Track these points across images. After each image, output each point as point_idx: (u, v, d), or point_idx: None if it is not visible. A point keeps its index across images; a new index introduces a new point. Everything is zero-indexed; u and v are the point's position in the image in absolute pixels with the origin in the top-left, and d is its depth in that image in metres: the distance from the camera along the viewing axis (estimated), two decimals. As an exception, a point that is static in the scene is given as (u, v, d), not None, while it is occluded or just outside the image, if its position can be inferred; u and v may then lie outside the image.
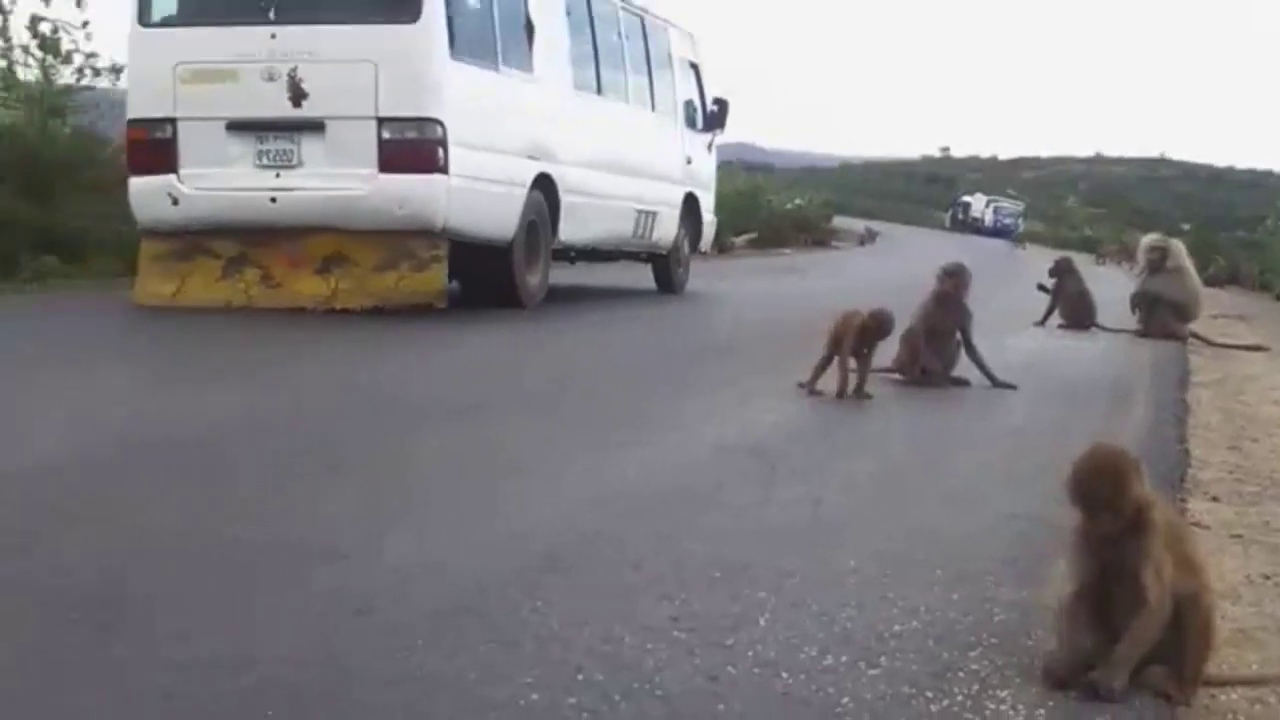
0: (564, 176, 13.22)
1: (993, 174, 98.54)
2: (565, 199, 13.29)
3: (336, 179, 11.26)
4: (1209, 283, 25.43)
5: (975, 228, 61.45)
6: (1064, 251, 17.92)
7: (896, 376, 8.64)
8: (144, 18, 11.71)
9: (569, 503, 4.99)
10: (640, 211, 15.37)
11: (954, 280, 8.98)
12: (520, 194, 12.40)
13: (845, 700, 3.03)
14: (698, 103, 17.78)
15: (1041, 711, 3.08)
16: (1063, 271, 14.50)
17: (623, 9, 15.70)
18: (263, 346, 9.67)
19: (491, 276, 12.49)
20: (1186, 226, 51.68)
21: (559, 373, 8.85)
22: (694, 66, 17.87)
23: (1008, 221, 64.24)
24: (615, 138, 14.91)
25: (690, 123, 17.46)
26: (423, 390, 7.72)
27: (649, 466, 5.68)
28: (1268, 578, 4.59)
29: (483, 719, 2.80)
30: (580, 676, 3.06)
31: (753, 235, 32.14)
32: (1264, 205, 45.65)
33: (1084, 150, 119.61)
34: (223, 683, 2.95)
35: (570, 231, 13.61)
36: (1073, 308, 14.12)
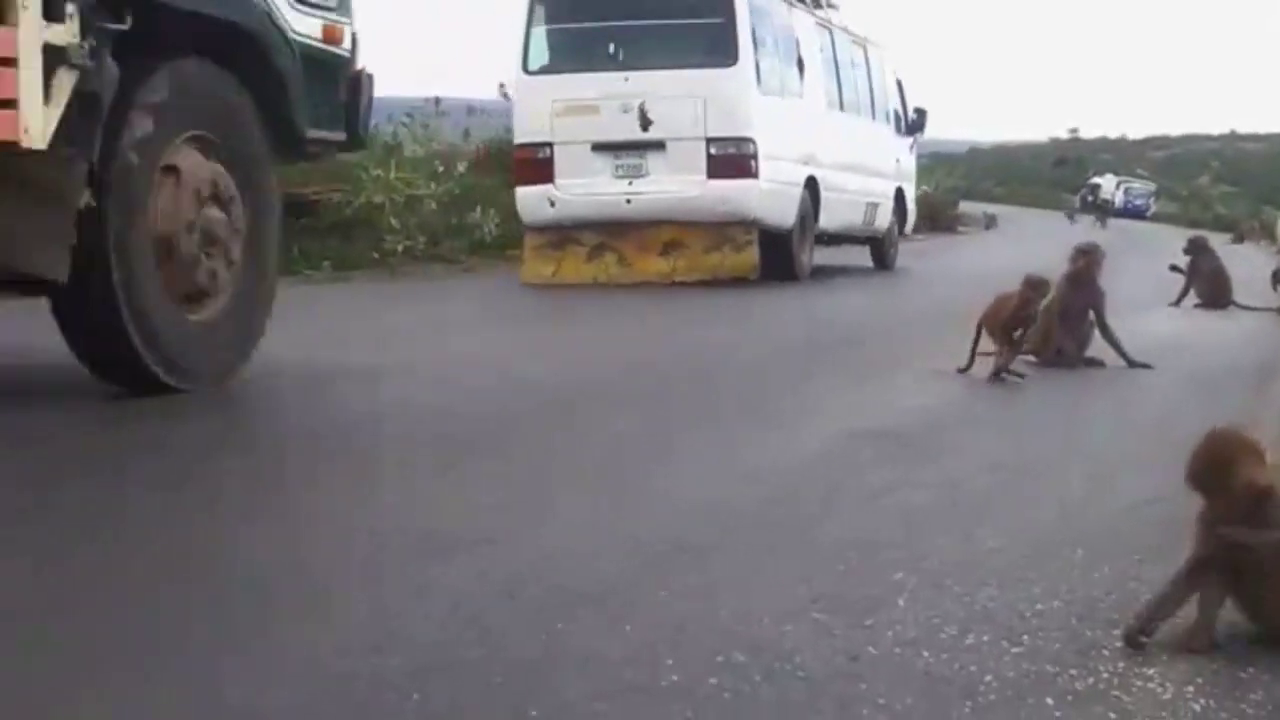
0: (824, 178, 17.06)
1: (1123, 154, 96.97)
2: (824, 195, 17.05)
3: (675, 184, 15.03)
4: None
5: (1106, 210, 60.47)
6: (1198, 231, 17.53)
7: (1031, 358, 8.52)
8: (526, 67, 15.78)
9: (717, 482, 5.07)
10: (869, 203, 19.36)
11: (1087, 259, 8.85)
12: (797, 192, 16.25)
13: (988, 678, 3.00)
14: (901, 111, 21.79)
15: (1190, 689, 3.02)
16: (1197, 249, 14.20)
17: (851, 40, 19.67)
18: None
19: (778, 256, 15.92)
20: (1324, 203, 50.56)
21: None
22: (899, 82, 21.82)
23: (1139, 202, 63.28)
24: (854, 145, 18.63)
25: (897, 129, 21.50)
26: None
27: (788, 447, 5.70)
28: None
29: (624, 700, 2.81)
30: (720, 658, 3.05)
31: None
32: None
33: (1217, 127, 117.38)
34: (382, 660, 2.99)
35: (826, 220, 17.32)
36: (1209, 286, 13.82)
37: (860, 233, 19.71)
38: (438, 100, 22.61)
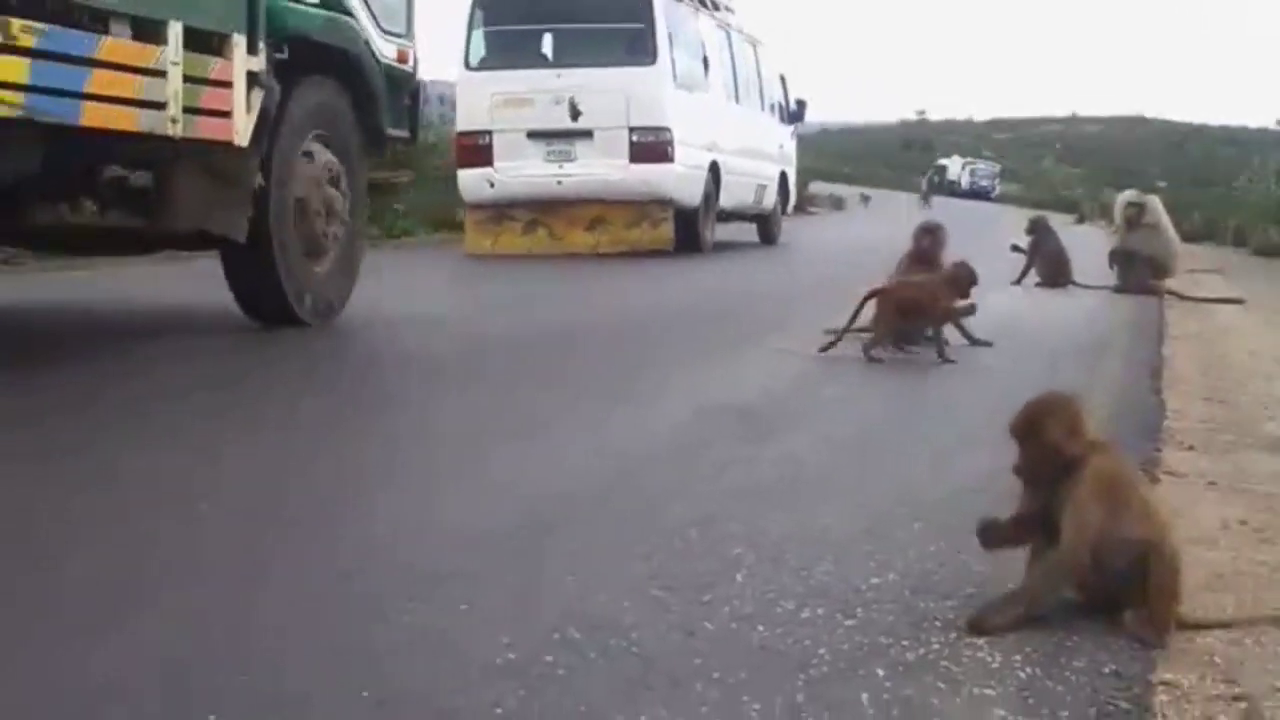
0: (724, 162, 19.14)
1: (969, 136, 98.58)
2: (724, 177, 19.16)
3: (601, 168, 17.05)
4: (1186, 238, 25.47)
5: (952, 190, 61.41)
6: (1040, 211, 17.92)
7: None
8: (468, 64, 17.74)
9: (565, 459, 5.04)
10: (759, 185, 21.65)
11: (930, 238, 8.99)
12: (703, 175, 18.36)
13: (821, 651, 3.04)
14: (784, 103, 24.34)
15: (1018, 657, 3.09)
16: (1039, 230, 14.48)
17: (744, 39, 21.88)
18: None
19: (686, 232, 17.95)
20: (1163, 184, 51.90)
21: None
22: (781, 76, 24.39)
23: (984, 183, 64.34)
24: (748, 133, 20.96)
25: (781, 118, 24.04)
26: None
27: (638, 426, 5.70)
28: (1243, 523, 4.60)
29: (458, 679, 2.80)
30: (556, 635, 3.06)
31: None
32: (1240, 161, 45.73)
33: (1060, 110, 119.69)
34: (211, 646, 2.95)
35: (725, 200, 19.43)
36: (1049, 266, 14.10)
37: (750, 211, 21.81)
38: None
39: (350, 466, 5.03)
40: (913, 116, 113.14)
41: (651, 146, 17.10)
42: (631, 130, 17.11)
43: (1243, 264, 23.04)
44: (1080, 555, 3.31)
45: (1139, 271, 13.79)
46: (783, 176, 23.62)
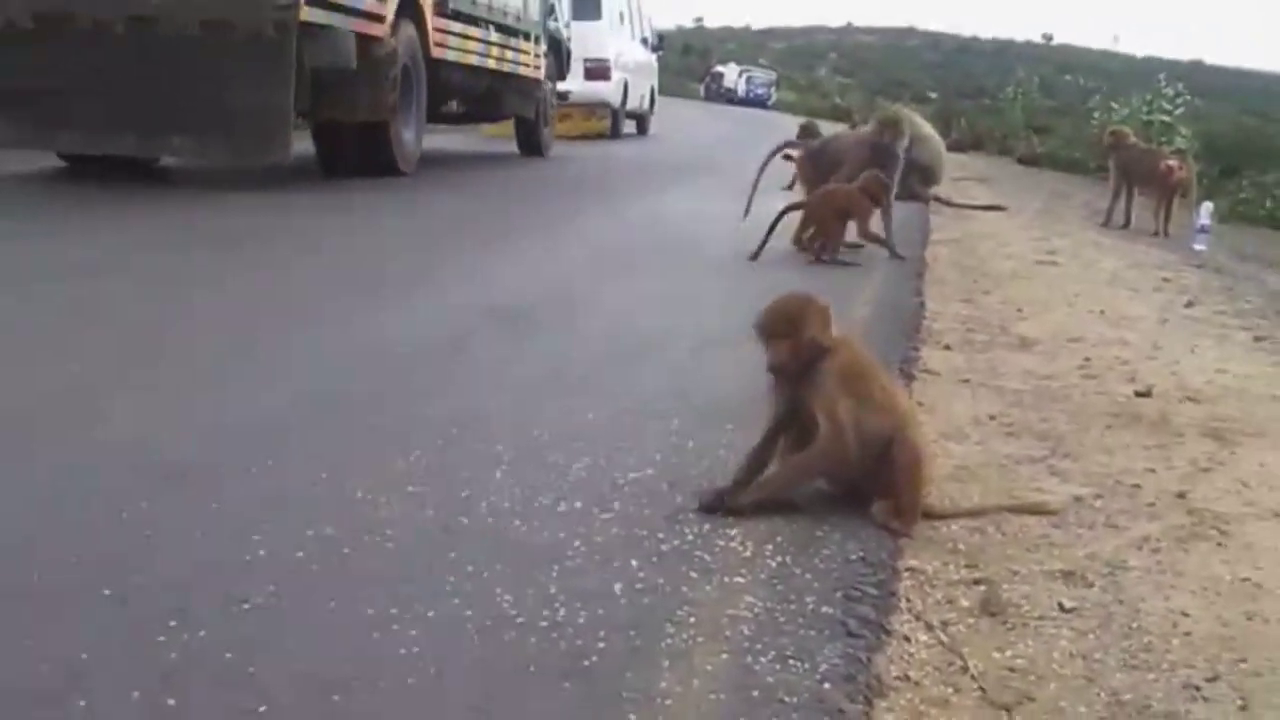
0: (628, 80, 26.79)
1: (746, 43, 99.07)
2: (629, 90, 26.95)
3: (567, 85, 21.97)
4: (952, 147, 26.03)
5: (729, 97, 61.73)
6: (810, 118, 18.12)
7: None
8: None
9: (331, 358, 4.95)
10: (642, 94, 29.18)
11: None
12: (621, 88, 26.22)
13: (577, 544, 3.06)
14: (650, 35, 31.22)
15: (769, 546, 3.15)
16: (808, 135, 14.63)
17: None
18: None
19: (612, 124, 26.28)
20: (934, 94, 52.87)
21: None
22: (649, 17, 31.36)
23: (760, 91, 64.59)
24: (637, 60, 28.53)
25: (650, 48, 31.05)
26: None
27: (401, 324, 5.62)
28: (993, 418, 4.76)
29: (207, 576, 2.74)
30: (310, 531, 3.02)
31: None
32: (1007, 74, 46.82)
33: (835, 20, 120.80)
34: None
35: (628, 104, 27.30)
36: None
37: (638, 111, 29.13)
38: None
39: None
40: (690, 23, 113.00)
41: (597, 69, 24.72)
42: (585, 60, 23.74)
43: (1006, 173, 23.66)
44: (842, 443, 3.38)
45: (906, 178, 14.03)
46: (652, 89, 31.08)
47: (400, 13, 11.98)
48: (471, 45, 14.74)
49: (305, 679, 2.34)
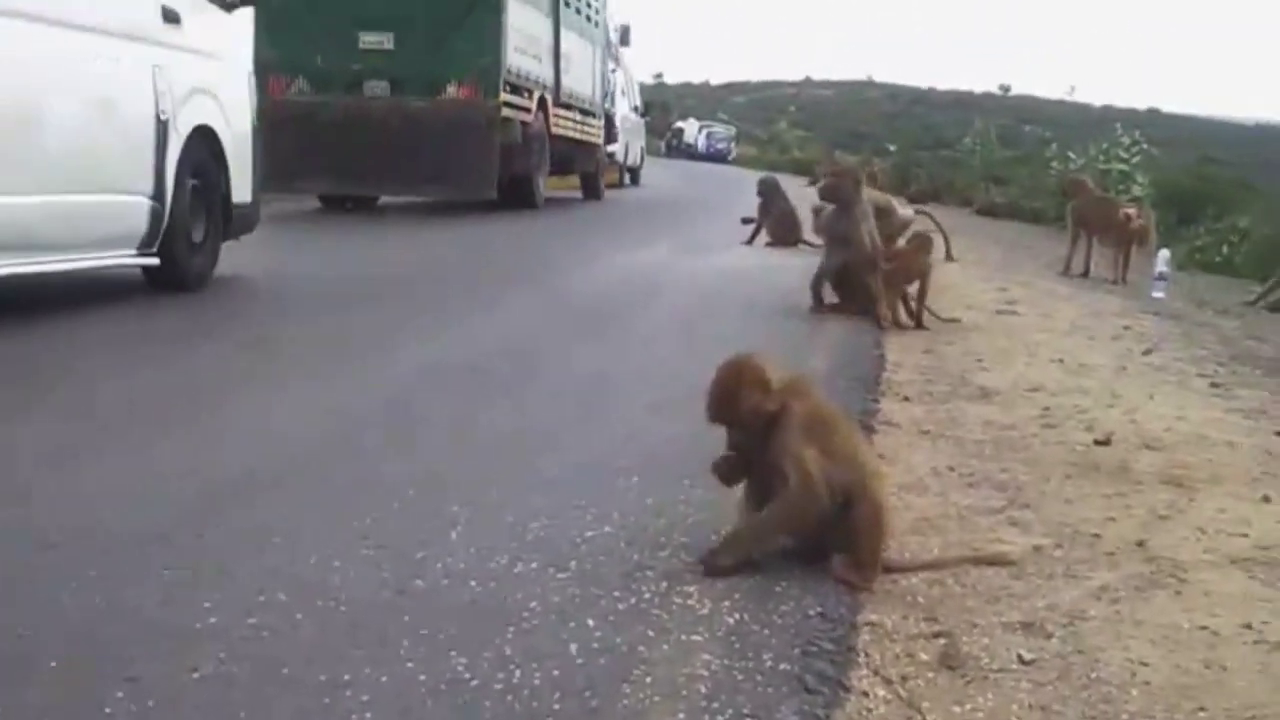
0: (627, 141, 30.86)
1: (706, 98, 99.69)
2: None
3: None
4: (912, 199, 26.24)
5: (689, 153, 62.06)
6: (770, 173, 18.25)
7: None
8: None
9: (289, 416, 4.90)
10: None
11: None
12: (624, 148, 30.21)
13: (533, 604, 3.03)
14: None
15: (726, 604, 3.12)
16: (768, 191, 14.72)
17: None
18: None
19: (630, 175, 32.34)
20: (892, 146, 53.13)
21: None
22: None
23: (720, 146, 64.96)
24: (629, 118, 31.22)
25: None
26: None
27: (360, 384, 5.59)
28: (952, 469, 4.75)
29: (155, 645, 2.70)
30: (262, 597, 2.98)
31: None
32: (965, 124, 47.18)
33: (793, 74, 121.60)
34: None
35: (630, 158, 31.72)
36: (779, 226, 14.35)
37: (632, 166, 33.18)
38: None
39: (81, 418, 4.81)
40: (650, 80, 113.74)
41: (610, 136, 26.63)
42: None
43: (966, 223, 23.78)
44: (810, 491, 3.35)
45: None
46: (642, 148, 35.30)
47: (538, 107, 19.02)
48: (570, 124, 21.75)
49: (255, 748, 2.31)
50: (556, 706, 2.50)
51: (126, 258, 7.78)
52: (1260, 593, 3.53)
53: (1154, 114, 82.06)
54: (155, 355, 6.31)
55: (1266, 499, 4.51)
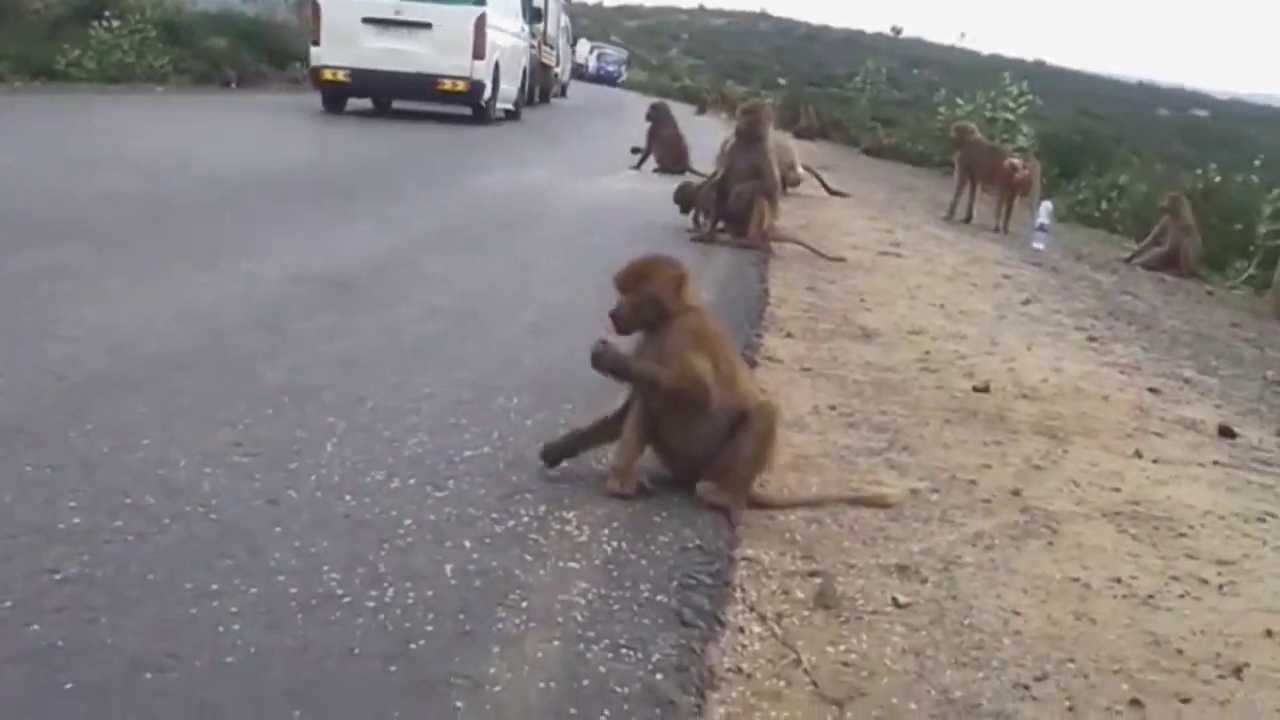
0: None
1: (598, 19, 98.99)
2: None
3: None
4: (799, 134, 26.30)
5: (579, 73, 61.74)
6: (660, 99, 18.10)
7: None
8: None
9: (154, 320, 4.74)
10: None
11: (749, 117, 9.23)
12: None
13: (408, 522, 2.97)
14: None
15: (605, 531, 3.09)
16: (659, 117, 14.61)
17: None
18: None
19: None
20: (782, 80, 53.20)
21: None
22: None
23: (611, 68, 64.69)
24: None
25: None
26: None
27: (235, 289, 5.45)
28: (833, 408, 4.75)
29: (14, 544, 2.61)
30: (129, 500, 2.90)
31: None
32: (855, 64, 47.25)
33: (687, 2, 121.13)
34: None
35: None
36: (667, 151, 14.26)
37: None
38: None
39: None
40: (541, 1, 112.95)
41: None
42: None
43: (852, 162, 23.86)
44: (699, 380, 3.35)
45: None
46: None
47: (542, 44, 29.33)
48: (550, 55, 31.97)
49: (116, 655, 2.23)
50: (429, 628, 2.45)
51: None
52: (1130, 547, 3.57)
53: (1040, 65, 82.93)
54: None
55: (1138, 454, 4.57)
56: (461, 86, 18.67)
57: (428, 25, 18.33)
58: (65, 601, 2.40)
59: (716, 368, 3.39)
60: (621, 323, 3.46)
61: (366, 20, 18.09)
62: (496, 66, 19.93)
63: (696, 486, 3.37)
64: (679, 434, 3.42)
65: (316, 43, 18.25)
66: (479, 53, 18.73)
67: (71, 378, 3.89)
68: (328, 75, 18.16)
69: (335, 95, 18.71)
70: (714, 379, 3.36)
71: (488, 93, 19.55)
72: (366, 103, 19.71)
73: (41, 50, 18.34)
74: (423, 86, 18.61)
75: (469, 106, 19.45)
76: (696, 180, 10.37)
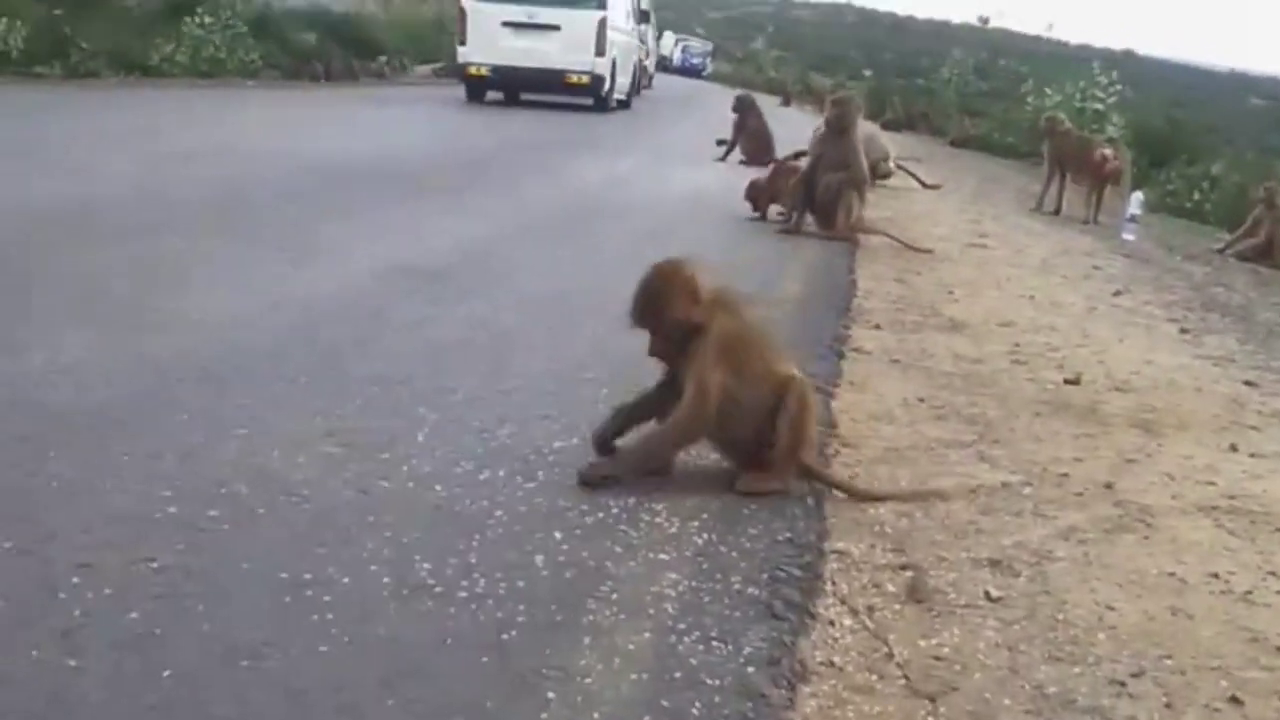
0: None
1: (683, 12, 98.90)
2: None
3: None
4: (885, 126, 26.15)
5: (664, 65, 61.66)
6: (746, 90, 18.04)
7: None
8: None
9: (246, 309, 4.79)
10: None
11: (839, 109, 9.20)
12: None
13: (499, 513, 2.98)
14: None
15: (695, 524, 3.09)
16: (744, 108, 14.58)
17: None
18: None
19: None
20: (868, 72, 52.92)
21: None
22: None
23: (696, 61, 64.52)
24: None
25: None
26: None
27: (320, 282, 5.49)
28: (922, 400, 4.72)
29: (112, 531, 2.64)
30: (223, 490, 2.93)
31: (439, 65, 31.71)
32: (942, 55, 46.88)
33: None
34: None
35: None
36: (753, 143, 14.23)
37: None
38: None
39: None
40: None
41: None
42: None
43: (940, 154, 23.68)
44: (700, 416, 3.31)
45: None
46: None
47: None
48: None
49: (212, 643, 2.26)
50: (521, 619, 2.46)
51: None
52: (1227, 542, 3.51)
53: (1129, 55, 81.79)
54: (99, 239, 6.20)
55: (1234, 448, 4.50)
56: (585, 80, 21.23)
57: (557, 27, 20.93)
58: (162, 589, 2.43)
59: (742, 371, 3.36)
60: (664, 356, 3.42)
61: (505, 24, 20.67)
62: (614, 62, 22.20)
63: (736, 485, 3.36)
64: (723, 433, 3.41)
65: (463, 43, 20.98)
66: (600, 50, 21.29)
67: (167, 368, 3.93)
68: (473, 71, 20.88)
69: (478, 88, 21.30)
70: (732, 389, 3.32)
71: (606, 85, 21.81)
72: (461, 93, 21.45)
73: (135, 46, 18.43)
74: (552, 80, 21.09)
75: (591, 97, 21.72)
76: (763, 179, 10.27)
